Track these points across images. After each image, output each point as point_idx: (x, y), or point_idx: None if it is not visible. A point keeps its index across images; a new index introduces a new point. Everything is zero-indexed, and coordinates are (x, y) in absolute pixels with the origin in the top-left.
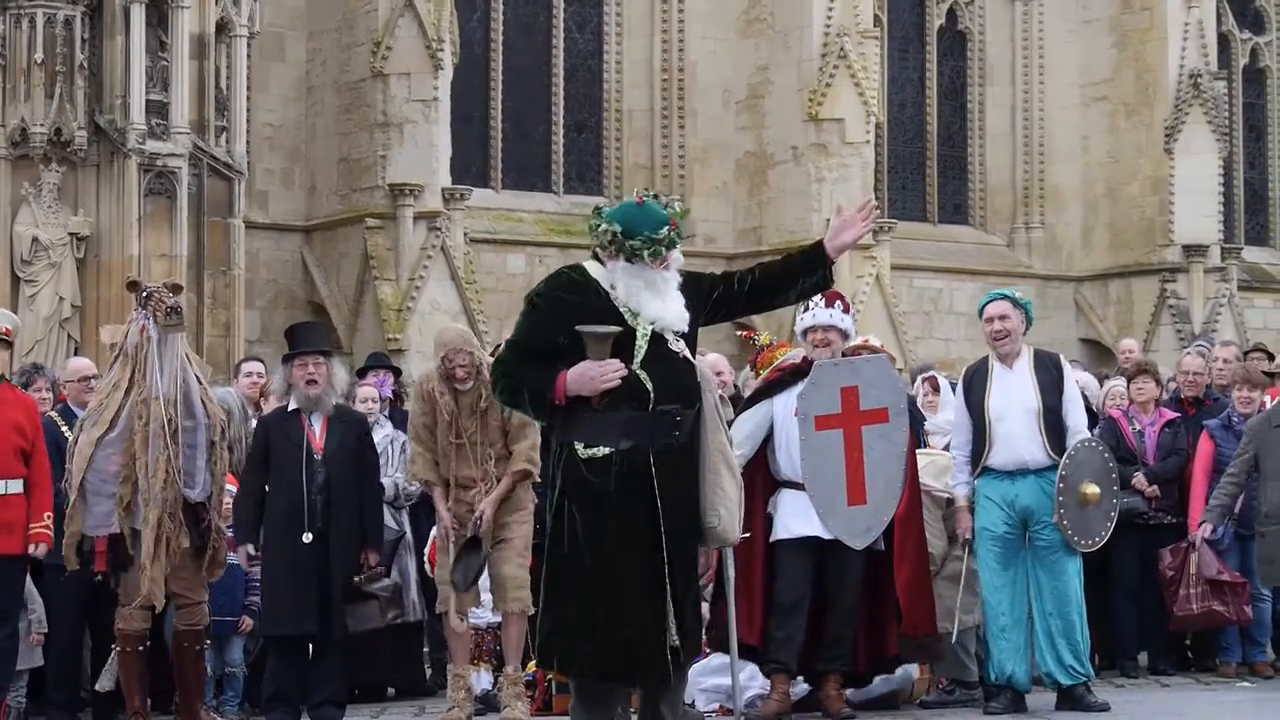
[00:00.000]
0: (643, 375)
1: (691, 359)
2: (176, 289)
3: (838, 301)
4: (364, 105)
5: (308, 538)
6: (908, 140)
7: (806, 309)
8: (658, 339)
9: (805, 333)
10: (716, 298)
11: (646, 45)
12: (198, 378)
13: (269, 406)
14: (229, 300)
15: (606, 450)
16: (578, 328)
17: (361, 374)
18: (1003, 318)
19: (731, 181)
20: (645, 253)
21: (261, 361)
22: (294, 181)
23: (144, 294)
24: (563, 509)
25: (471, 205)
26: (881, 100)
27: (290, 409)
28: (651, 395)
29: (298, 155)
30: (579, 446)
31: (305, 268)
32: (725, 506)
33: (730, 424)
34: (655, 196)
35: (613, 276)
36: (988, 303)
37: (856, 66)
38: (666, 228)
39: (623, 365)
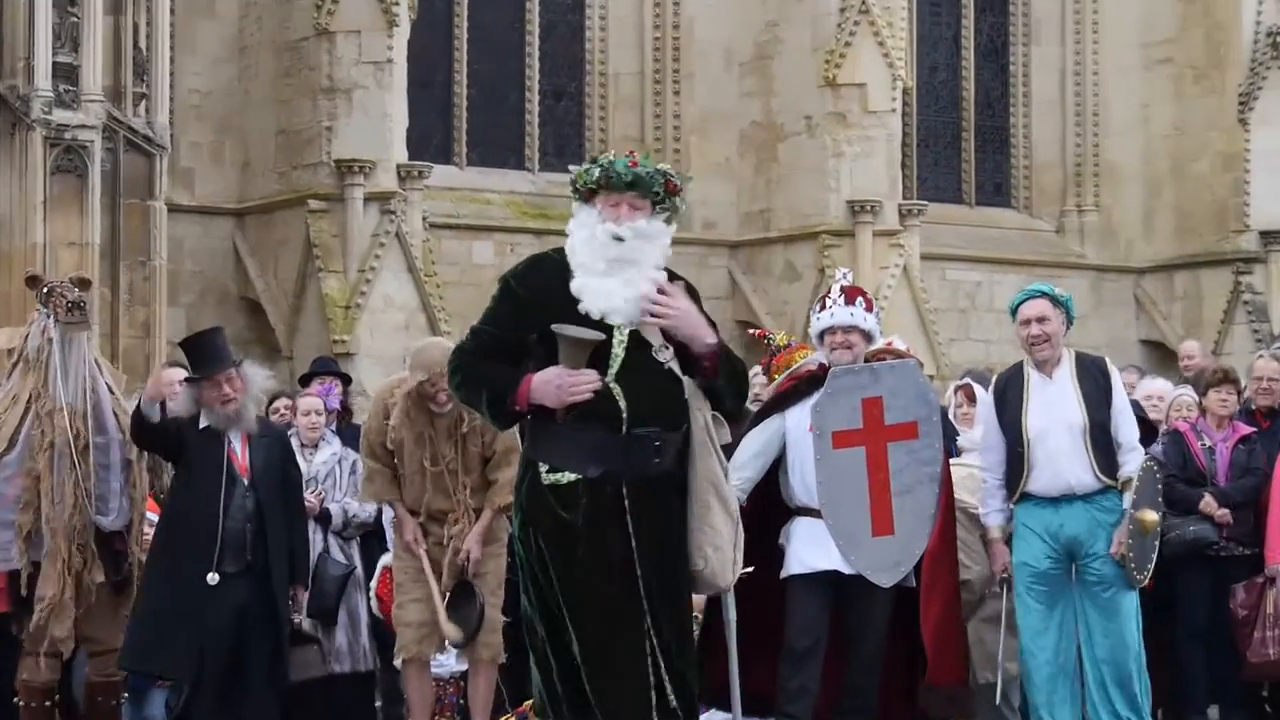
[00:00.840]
0: (616, 390)
1: (679, 373)
2: (83, 284)
3: (859, 298)
4: (306, 68)
5: (213, 579)
6: (940, 109)
7: (823, 307)
8: (638, 346)
9: (822, 335)
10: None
11: None
12: (109, 387)
13: None
14: (149, 296)
15: (572, 477)
16: (554, 327)
17: (305, 382)
18: (1041, 320)
19: (735, 157)
20: (644, 176)
21: (185, 368)
22: (224, 157)
23: (45, 290)
24: (528, 540)
25: (432, 185)
26: (910, 62)
27: (203, 425)
28: (624, 415)
29: (229, 127)
30: (542, 469)
31: (238, 257)
32: (714, 545)
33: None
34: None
35: (582, 232)
36: (1022, 301)
37: (881, 22)
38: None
39: (597, 377)
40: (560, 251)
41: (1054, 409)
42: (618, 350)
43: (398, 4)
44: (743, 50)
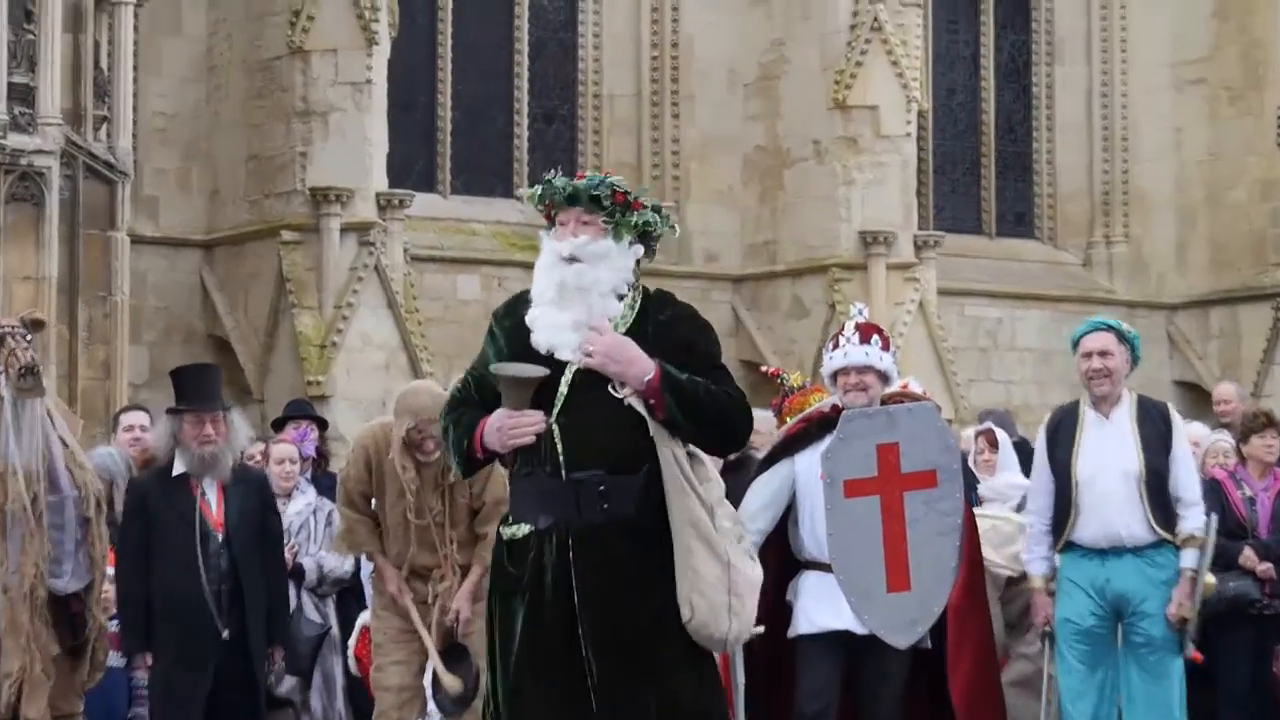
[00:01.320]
0: (555, 431)
1: (641, 409)
2: (36, 324)
3: (875, 336)
4: (279, 89)
5: (228, 633)
6: (958, 133)
7: (836, 345)
8: (591, 382)
9: (835, 375)
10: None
11: (632, 13)
12: (62, 440)
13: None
14: (110, 334)
15: (526, 530)
16: (492, 367)
17: (277, 426)
18: (1104, 354)
19: (738, 184)
20: (544, 195)
21: (145, 411)
22: (191, 185)
23: None
24: (489, 604)
25: (414, 214)
26: (925, 83)
27: (176, 472)
28: (561, 458)
29: (196, 152)
30: (504, 524)
31: (205, 293)
32: (698, 591)
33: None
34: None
35: (541, 259)
36: (1086, 333)
37: (894, 40)
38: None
39: (542, 418)
40: None
41: (1108, 451)
42: (562, 388)
43: (377, 21)
44: (746, 70)
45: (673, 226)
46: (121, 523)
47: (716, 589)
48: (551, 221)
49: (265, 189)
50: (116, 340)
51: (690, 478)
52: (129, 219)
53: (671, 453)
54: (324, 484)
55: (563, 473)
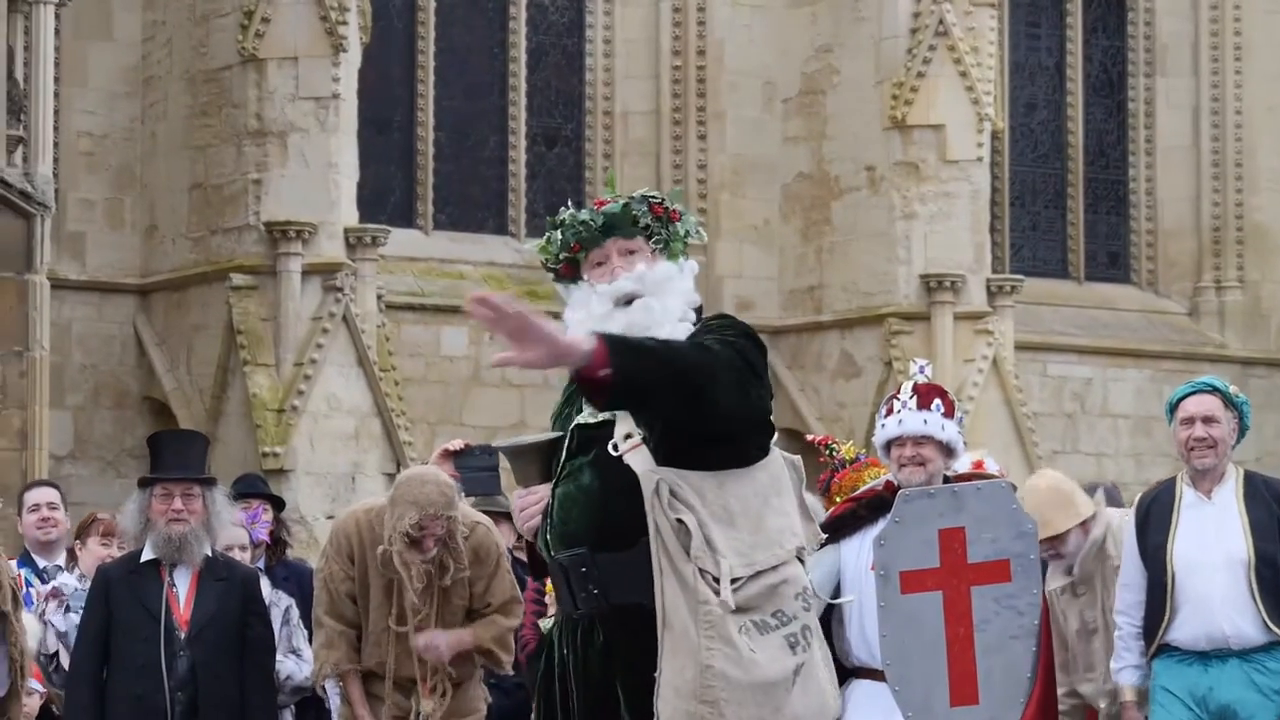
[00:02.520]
0: (551, 503)
1: (641, 468)
2: None
3: (936, 400)
4: (229, 105)
5: None
6: (1040, 157)
7: (890, 411)
8: (586, 441)
9: (888, 445)
10: None
11: (650, 15)
12: None
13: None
14: (26, 396)
15: (553, 624)
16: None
17: None
18: (1207, 420)
19: (777, 219)
20: (568, 235)
21: (56, 487)
22: (124, 219)
23: None
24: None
25: (389, 254)
26: (1000, 99)
27: (146, 558)
28: (548, 536)
29: (129, 179)
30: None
31: (140, 347)
32: (663, 698)
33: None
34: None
35: (578, 315)
36: (1186, 395)
37: (963, 47)
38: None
39: (547, 493)
40: None
41: (1210, 536)
42: (563, 453)
43: (345, 24)
44: (786, 83)
45: (699, 232)
46: (81, 616)
47: (680, 696)
48: (568, 271)
49: (212, 224)
50: (35, 404)
51: (672, 553)
52: (50, 260)
53: (654, 522)
54: (279, 574)
55: (551, 553)
